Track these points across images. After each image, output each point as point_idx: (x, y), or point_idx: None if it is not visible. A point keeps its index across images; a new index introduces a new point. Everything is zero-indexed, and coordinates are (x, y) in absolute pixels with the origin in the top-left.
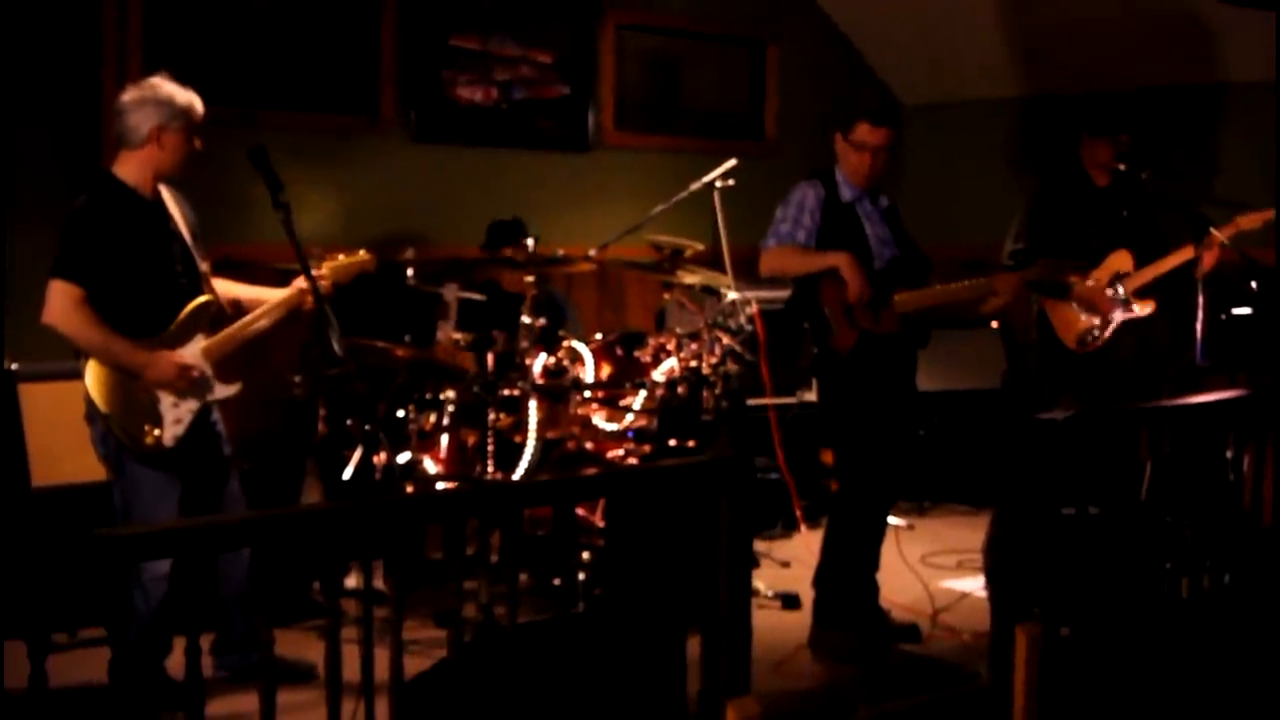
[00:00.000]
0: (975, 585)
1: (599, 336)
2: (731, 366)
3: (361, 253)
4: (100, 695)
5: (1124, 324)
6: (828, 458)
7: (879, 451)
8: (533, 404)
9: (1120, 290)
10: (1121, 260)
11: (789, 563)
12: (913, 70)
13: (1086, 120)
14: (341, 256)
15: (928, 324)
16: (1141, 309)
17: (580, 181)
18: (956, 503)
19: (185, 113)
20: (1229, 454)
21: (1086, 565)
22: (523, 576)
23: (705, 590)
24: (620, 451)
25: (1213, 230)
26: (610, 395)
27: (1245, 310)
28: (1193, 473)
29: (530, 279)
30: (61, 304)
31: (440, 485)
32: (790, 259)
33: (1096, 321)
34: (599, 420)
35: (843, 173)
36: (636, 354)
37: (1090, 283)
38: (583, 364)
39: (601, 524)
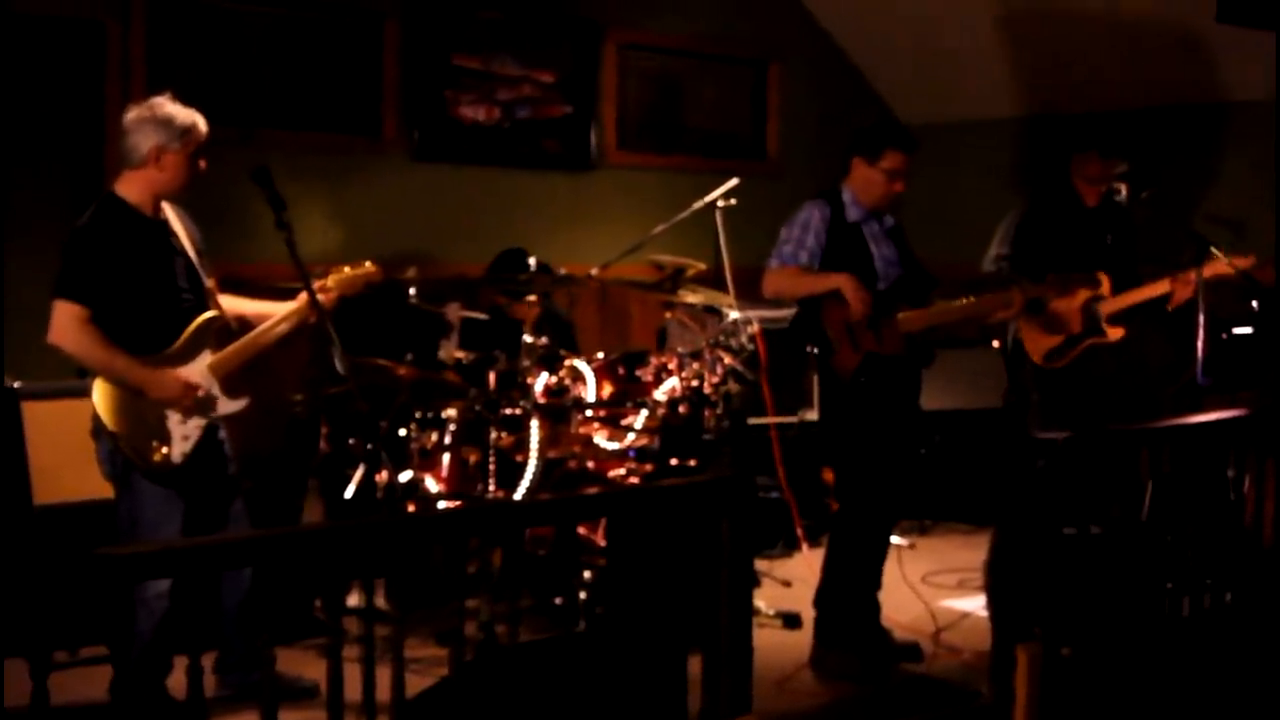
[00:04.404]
0: (976, 604)
1: (600, 355)
2: (733, 386)
3: (367, 263)
4: (102, 714)
5: (1095, 347)
6: (829, 477)
7: (881, 472)
8: (534, 423)
9: (1094, 313)
10: (1100, 283)
11: (790, 582)
12: (914, 90)
13: (1075, 138)
14: (347, 268)
15: (932, 344)
16: (1111, 334)
17: (582, 201)
18: (957, 522)
19: (186, 133)
20: (1230, 473)
21: (1088, 584)
22: (524, 595)
23: (706, 609)
24: (622, 471)
25: (1210, 254)
26: (612, 414)
27: (1246, 330)
28: (1193, 492)
29: (533, 299)
30: (66, 324)
31: (442, 504)
32: (792, 281)
33: (1062, 340)
34: (600, 439)
35: (852, 193)
36: (638, 373)
37: (1066, 301)
38: (584, 383)
39: (603, 543)
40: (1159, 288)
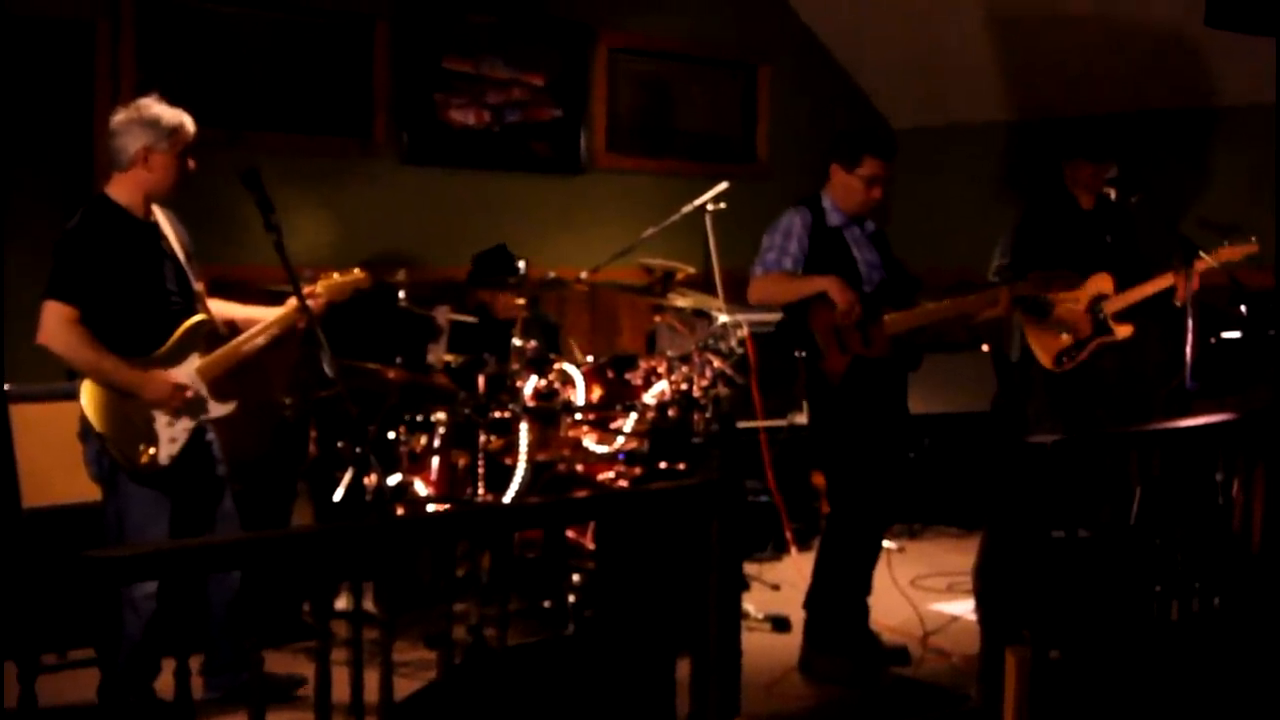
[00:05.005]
0: (966, 608)
1: (590, 359)
2: (722, 389)
3: (356, 270)
4: (90, 716)
5: (1103, 346)
6: (818, 480)
7: (870, 476)
8: (523, 426)
9: (1100, 313)
10: (1103, 283)
11: (779, 585)
12: (903, 94)
13: (1067, 143)
14: (336, 275)
15: (919, 347)
16: (1120, 332)
17: (572, 204)
18: (947, 525)
19: (173, 133)
20: (1218, 477)
21: (1076, 588)
22: (513, 599)
23: (695, 613)
24: (611, 474)
25: (1199, 257)
26: (601, 418)
27: (1234, 334)
28: (1182, 496)
29: (521, 302)
30: (55, 325)
31: (431, 507)
32: (778, 286)
33: (1073, 342)
34: (589, 443)
35: (831, 199)
36: (627, 376)
37: (1071, 304)
38: (573, 386)
39: (592, 546)
40: (1163, 282)
